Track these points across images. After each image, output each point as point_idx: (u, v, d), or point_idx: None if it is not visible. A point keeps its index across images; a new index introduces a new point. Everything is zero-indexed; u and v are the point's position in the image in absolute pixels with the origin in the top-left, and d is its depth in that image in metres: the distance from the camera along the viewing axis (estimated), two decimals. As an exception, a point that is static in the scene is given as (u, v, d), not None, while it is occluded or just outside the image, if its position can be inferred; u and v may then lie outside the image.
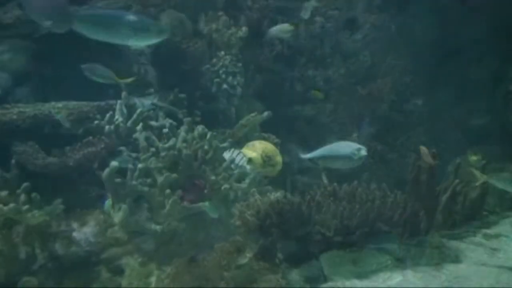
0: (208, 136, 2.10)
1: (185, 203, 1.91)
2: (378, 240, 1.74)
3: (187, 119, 2.17)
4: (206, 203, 1.91)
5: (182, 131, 2.11)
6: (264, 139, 2.64)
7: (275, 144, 2.55)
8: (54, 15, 1.77)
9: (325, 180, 2.83)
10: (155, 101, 2.38)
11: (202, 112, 2.82)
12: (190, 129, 2.19)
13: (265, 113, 2.68)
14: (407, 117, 4.28)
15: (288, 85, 3.62)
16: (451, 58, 3.87)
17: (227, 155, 2.16)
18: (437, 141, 4.31)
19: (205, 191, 2.04)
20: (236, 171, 2.09)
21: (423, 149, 1.83)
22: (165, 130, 2.14)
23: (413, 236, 1.77)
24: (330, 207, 1.72)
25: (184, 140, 2.05)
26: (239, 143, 2.49)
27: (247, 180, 2.11)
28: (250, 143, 2.42)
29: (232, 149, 2.22)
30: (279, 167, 2.41)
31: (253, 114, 2.73)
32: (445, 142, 4.32)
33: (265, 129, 2.80)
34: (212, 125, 2.81)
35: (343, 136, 3.99)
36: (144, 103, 2.26)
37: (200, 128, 2.14)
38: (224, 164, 2.08)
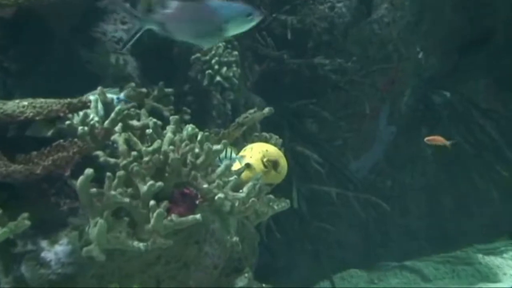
0: (199, 137, 2.11)
1: (173, 216, 1.92)
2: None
3: (174, 118, 2.18)
4: (198, 216, 1.91)
5: (168, 132, 2.12)
6: (266, 139, 2.65)
7: (276, 145, 2.56)
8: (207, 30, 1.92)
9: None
10: (121, 96, 2.38)
11: (192, 109, 2.83)
12: (178, 129, 2.20)
13: (266, 109, 2.70)
14: (434, 111, 4.31)
15: (293, 76, 3.64)
16: (484, 43, 3.88)
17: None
18: (468, 138, 4.34)
19: (197, 201, 2.05)
20: (232, 178, 2.10)
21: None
22: (149, 131, 2.15)
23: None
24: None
25: (171, 143, 2.06)
26: (236, 145, 2.51)
27: (245, 189, 2.12)
28: (248, 146, 2.42)
29: (228, 150, 2.24)
30: (283, 172, 2.41)
31: (251, 111, 2.74)
32: (477, 138, 4.34)
33: (267, 128, 2.81)
34: (204, 124, 2.83)
35: (358, 135, 4.03)
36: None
37: (189, 128, 2.15)
38: (219, 170, 2.09)
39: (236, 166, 2.28)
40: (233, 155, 2.28)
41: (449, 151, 3.66)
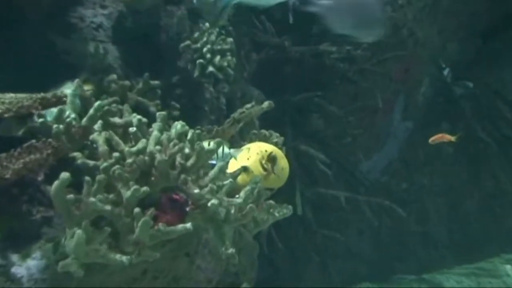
0: (190, 135, 2.11)
1: (161, 226, 1.92)
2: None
3: (161, 114, 2.17)
4: (188, 225, 1.91)
5: (155, 130, 2.11)
6: (265, 138, 2.65)
7: (277, 144, 2.55)
8: (370, 23, 1.96)
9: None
10: (75, 89, 2.37)
11: (181, 103, 2.83)
12: (166, 127, 2.19)
13: (265, 103, 2.69)
14: (455, 104, 4.31)
15: (295, 65, 3.64)
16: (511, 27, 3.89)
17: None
18: (493, 133, 4.34)
19: (187, 208, 2.04)
20: (227, 182, 2.10)
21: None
22: (132, 129, 2.14)
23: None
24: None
25: (158, 142, 2.06)
26: (231, 144, 2.50)
27: (242, 194, 2.12)
28: (245, 146, 2.42)
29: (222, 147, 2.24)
30: (285, 175, 2.41)
31: (249, 105, 2.74)
32: (504, 134, 4.34)
33: (266, 125, 2.81)
34: (195, 121, 2.83)
35: (369, 132, 4.03)
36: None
37: (179, 125, 2.15)
38: (212, 173, 2.08)
39: (231, 165, 2.28)
40: (226, 150, 2.28)
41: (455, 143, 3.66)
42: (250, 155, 2.33)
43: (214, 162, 2.20)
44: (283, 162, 2.39)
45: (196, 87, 2.97)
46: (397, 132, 4.32)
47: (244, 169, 2.27)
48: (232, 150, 2.33)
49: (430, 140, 3.57)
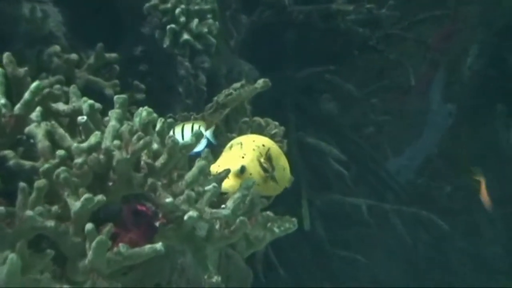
0: (159, 126, 2.12)
1: (121, 247, 1.93)
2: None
3: (120, 98, 2.17)
4: (158, 245, 1.92)
5: (112, 119, 2.12)
6: (259, 128, 2.66)
7: (275, 136, 2.56)
8: None
9: None
10: (5, 66, 2.37)
11: (147, 83, 2.84)
12: (127, 115, 2.20)
13: (260, 82, 2.70)
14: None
15: (299, 31, 3.65)
16: None
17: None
18: None
19: (156, 223, 2.05)
20: (211, 187, 2.11)
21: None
22: (82, 119, 2.15)
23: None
24: None
25: (117, 135, 2.06)
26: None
27: (229, 204, 2.13)
28: (236, 140, 2.42)
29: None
30: (286, 178, 2.41)
31: (237, 85, 2.74)
32: None
33: (261, 111, 2.82)
34: (166, 107, 2.84)
35: (398, 118, 4.05)
36: None
37: (144, 112, 2.15)
38: (189, 175, 2.09)
39: (217, 166, 2.28)
40: (203, 132, 2.29)
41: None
42: (245, 152, 2.31)
43: (200, 148, 2.22)
44: (283, 161, 2.39)
45: (166, 62, 2.97)
46: (436, 119, 4.34)
47: (241, 169, 2.27)
48: (208, 132, 2.34)
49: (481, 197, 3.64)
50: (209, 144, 2.35)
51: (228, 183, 2.23)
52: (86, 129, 2.13)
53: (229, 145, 2.37)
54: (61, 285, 1.95)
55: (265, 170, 2.30)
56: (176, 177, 2.10)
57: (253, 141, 2.36)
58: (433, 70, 4.18)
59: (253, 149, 2.32)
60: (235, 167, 2.24)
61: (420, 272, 4.35)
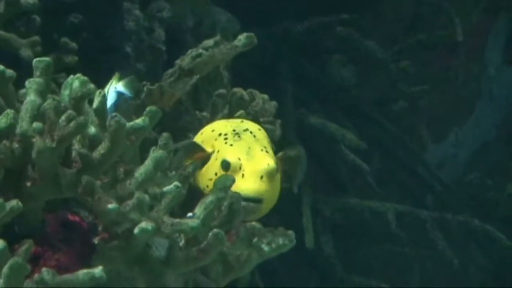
0: (97, 101, 2.14)
1: (45, 273, 1.95)
2: None
3: (42, 62, 2.20)
4: (97, 270, 1.94)
5: (30, 93, 2.14)
6: (242, 103, 2.68)
7: (261, 116, 2.59)
8: None
9: None
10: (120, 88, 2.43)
11: (81, 41, 2.85)
12: (51, 86, 2.22)
13: (242, 38, 2.72)
14: None
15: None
16: None
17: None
18: None
19: (95, 240, 2.08)
20: (172, 187, 2.13)
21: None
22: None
23: None
24: None
25: (37, 115, 2.09)
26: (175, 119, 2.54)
27: (198, 210, 2.15)
28: (209, 126, 2.46)
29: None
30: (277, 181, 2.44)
31: (210, 42, 2.76)
32: None
33: (243, 78, 2.83)
34: (109, 74, 2.85)
35: (441, 89, 4.08)
36: None
37: (76, 82, 2.18)
38: (141, 171, 2.12)
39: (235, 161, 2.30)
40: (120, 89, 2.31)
41: None
42: (264, 144, 2.36)
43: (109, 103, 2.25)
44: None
45: (108, 10, 2.99)
46: (495, 89, 4.36)
47: (225, 163, 2.29)
48: (120, 84, 2.37)
49: None
50: (122, 99, 2.37)
51: (262, 187, 2.26)
52: (-7, 107, 2.15)
53: (201, 132, 2.41)
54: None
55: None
56: (123, 173, 2.12)
57: (259, 129, 2.43)
58: (491, 19, 4.19)
59: (267, 141, 2.39)
60: (265, 165, 2.28)
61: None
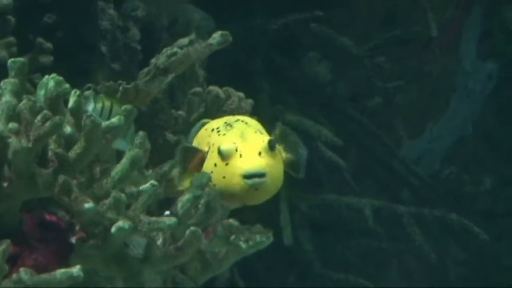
0: (73, 101, 2.14)
1: (23, 273, 1.95)
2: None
3: (17, 62, 2.20)
4: (75, 270, 1.95)
5: (5, 93, 2.14)
6: (217, 101, 2.68)
7: (237, 113, 2.59)
8: None
9: None
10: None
11: (56, 40, 2.85)
12: (27, 86, 2.22)
13: (216, 36, 2.73)
14: None
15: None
16: None
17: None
18: None
19: (72, 239, 2.08)
20: (148, 186, 2.13)
21: None
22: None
23: None
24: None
25: (13, 115, 2.09)
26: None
27: (177, 209, 2.15)
28: (202, 129, 2.47)
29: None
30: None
31: (185, 41, 2.76)
32: None
33: (218, 77, 2.83)
34: (84, 73, 2.85)
35: (417, 84, 4.09)
36: None
37: (51, 82, 2.18)
38: (117, 170, 2.12)
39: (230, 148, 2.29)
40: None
41: None
42: (258, 128, 2.37)
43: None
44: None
45: (83, 9, 2.98)
46: (470, 84, 4.38)
47: (272, 145, 2.29)
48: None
49: None
50: None
51: (262, 161, 2.25)
52: (-31, 108, 2.15)
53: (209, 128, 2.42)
54: None
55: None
56: (99, 172, 2.12)
57: (251, 118, 2.44)
58: (465, 14, 4.20)
59: (261, 127, 2.40)
60: (261, 141, 2.27)
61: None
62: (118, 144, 2.26)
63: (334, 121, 3.76)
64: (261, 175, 2.19)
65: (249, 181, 2.19)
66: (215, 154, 2.26)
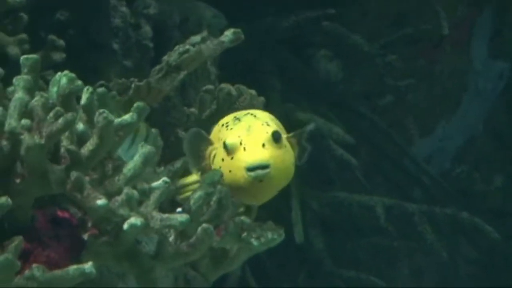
0: (86, 98, 2.14)
1: (36, 269, 1.95)
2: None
3: (29, 59, 2.19)
4: (87, 266, 1.95)
5: (18, 90, 2.14)
6: (229, 98, 2.68)
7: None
8: None
9: None
10: None
11: (68, 38, 2.84)
12: (39, 83, 2.22)
13: (228, 34, 2.72)
14: None
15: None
16: None
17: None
18: None
19: (84, 236, 2.07)
20: (160, 182, 2.13)
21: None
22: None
23: None
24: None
25: (25, 112, 2.08)
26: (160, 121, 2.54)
27: (189, 206, 2.15)
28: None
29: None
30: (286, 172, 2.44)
31: (197, 38, 2.76)
32: None
33: (230, 74, 2.82)
34: (97, 70, 2.85)
35: (427, 83, 4.08)
36: None
37: (64, 79, 2.18)
38: (129, 168, 2.12)
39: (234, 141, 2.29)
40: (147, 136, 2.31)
41: None
42: (265, 120, 2.36)
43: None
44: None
45: (95, 7, 2.98)
46: (481, 83, 4.36)
47: (276, 136, 2.28)
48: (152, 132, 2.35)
49: None
50: None
51: (265, 153, 2.24)
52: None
53: (222, 123, 2.42)
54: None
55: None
56: (111, 169, 2.12)
57: (262, 112, 2.45)
58: (476, 12, 4.18)
59: (271, 119, 2.39)
60: (264, 133, 2.27)
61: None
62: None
63: (345, 119, 3.75)
64: (264, 166, 2.20)
65: (252, 173, 2.20)
66: (222, 149, 2.27)
